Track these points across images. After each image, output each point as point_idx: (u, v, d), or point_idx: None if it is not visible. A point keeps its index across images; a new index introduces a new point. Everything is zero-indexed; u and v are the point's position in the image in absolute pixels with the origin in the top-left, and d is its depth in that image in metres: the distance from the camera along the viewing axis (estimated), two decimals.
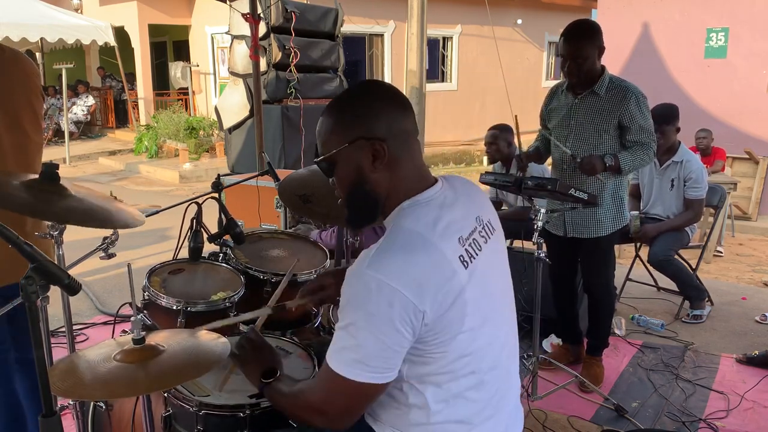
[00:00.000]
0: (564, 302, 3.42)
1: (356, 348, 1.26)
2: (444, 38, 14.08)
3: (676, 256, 4.21)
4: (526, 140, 3.31)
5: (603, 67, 3.01)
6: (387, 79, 12.92)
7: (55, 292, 1.29)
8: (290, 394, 1.44)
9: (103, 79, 15.79)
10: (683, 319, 4.18)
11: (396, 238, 1.30)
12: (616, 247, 4.35)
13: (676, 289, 4.34)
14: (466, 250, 1.33)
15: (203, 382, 1.70)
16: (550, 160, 3.35)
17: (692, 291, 4.22)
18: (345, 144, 1.36)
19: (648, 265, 4.36)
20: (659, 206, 4.37)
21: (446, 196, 1.39)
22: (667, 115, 4.17)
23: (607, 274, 3.23)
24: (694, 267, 4.31)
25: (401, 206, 1.37)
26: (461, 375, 1.34)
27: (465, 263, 1.31)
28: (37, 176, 1.75)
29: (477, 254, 1.36)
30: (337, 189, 1.43)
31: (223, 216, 2.37)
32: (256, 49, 4.95)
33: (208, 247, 2.37)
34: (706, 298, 4.34)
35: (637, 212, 4.35)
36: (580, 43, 2.90)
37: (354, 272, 1.28)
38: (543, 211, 2.81)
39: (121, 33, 13.47)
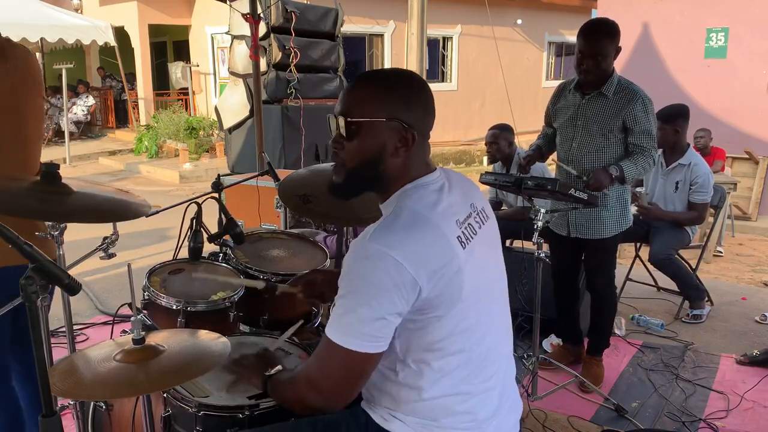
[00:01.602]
0: (565, 301, 3.42)
1: (351, 314, 1.29)
2: (444, 38, 14.07)
3: (677, 256, 4.20)
4: (525, 140, 3.31)
5: (613, 69, 3.00)
6: None
7: (55, 292, 1.29)
8: (289, 378, 1.47)
9: (103, 79, 15.79)
10: (683, 319, 4.18)
11: (398, 216, 1.34)
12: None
13: (676, 289, 4.33)
14: (462, 232, 1.38)
15: (210, 383, 1.70)
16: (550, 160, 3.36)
17: (692, 291, 4.22)
18: (382, 118, 1.36)
19: (648, 265, 4.36)
20: (661, 207, 4.36)
21: (444, 182, 1.44)
22: (663, 115, 4.11)
23: (610, 274, 3.24)
24: (694, 267, 4.31)
25: (404, 188, 1.41)
26: (450, 352, 1.37)
27: (462, 244, 1.36)
28: (38, 178, 1.75)
29: (473, 237, 1.41)
30: (344, 154, 1.40)
31: (223, 216, 2.37)
32: (256, 49, 4.95)
33: (208, 247, 2.37)
34: (706, 298, 4.34)
35: (643, 189, 4.28)
36: (602, 41, 2.89)
37: (356, 243, 1.32)
38: (543, 211, 2.81)
39: (121, 33, 13.46)
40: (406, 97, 1.39)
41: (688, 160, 4.22)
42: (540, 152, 3.31)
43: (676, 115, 4.19)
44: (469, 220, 1.42)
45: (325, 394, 1.37)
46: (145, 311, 2.13)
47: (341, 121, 1.38)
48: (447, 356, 1.37)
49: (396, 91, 1.39)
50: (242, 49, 8.06)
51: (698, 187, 4.16)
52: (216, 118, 9.87)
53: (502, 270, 1.55)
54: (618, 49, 2.94)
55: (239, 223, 2.34)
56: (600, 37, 2.89)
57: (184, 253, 2.37)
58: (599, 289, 3.24)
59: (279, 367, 1.57)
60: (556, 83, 3.26)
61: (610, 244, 3.15)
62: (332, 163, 1.46)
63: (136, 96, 14.50)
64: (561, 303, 3.43)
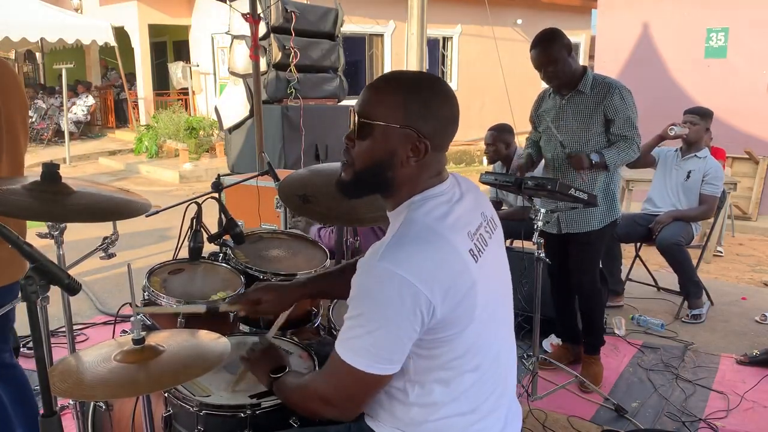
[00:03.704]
0: (562, 299, 3.43)
1: (365, 338, 1.26)
2: (444, 38, 14.08)
3: None
4: (523, 141, 3.33)
5: (585, 67, 3.09)
6: None
7: (55, 292, 1.29)
8: (298, 386, 1.45)
9: (106, 72, 15.74)
10: (683, 319, 4.18)
11: (408, 231, 1.29)
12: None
13: (676, 289, 4.34)
14: (474, 244, 1.34)
15: (214, 382, 1.69)
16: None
17: (692, 286, 4.23)
18: (396, 124, 1.31)
19: (648, 266, 4.36)
20: (673, 196, 4.42)
21: (454, 191, 1.40)
22: (701, 111, 4.40)
23: (594, 272, 3.25)
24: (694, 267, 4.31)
25: (412, 200, 1.36)
26: (466, 370, 1.34)
27: (475, 257, 1.32)
28: (38, 178, 1.75)
29: (484, 249, 1.37)
30: (354, 152, 1.36)
31: (223, 216, 2.37)
32: (256, 49, 4.95)
33: (208, 247, 2.37)
34: (704, 296, 4.34)
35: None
36: (545, 49, 2.99)
37: (366, 263, 1.28)
38: (543, 211, 2.82)
39: (121, 33, 13.47)
40: (427, 106, 1.32)
41: (704, 154, 4.39)
42: (531, 160, 3.37)
43: (707, 115, 4.45)
44: (480, 230, 1.39)
45: (338, 408, 1.36)
46: None
47: (355, 118, 1.34)
48: (463, 374, 1.34)
49: (416, 99, 1.32)
50: (242, 49, 8.05)
51: (710, 178, 4.29)
52: (216, 118, 9.86)
53: (509, 280, 1.52)
54: (569, 47, 3.03)
55: (239, 223, 2.34)
56: (544, 46, 3.00)
57: (184, 253, 2.37)
58: (584, 288, 3.24)
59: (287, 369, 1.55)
60: (544, 88, 3.32)
61: (595, 237, 3.16)
62: (342, 159, 1.41)
63: (136, 96, 14.51)
64: (558, 301, 3.44)
